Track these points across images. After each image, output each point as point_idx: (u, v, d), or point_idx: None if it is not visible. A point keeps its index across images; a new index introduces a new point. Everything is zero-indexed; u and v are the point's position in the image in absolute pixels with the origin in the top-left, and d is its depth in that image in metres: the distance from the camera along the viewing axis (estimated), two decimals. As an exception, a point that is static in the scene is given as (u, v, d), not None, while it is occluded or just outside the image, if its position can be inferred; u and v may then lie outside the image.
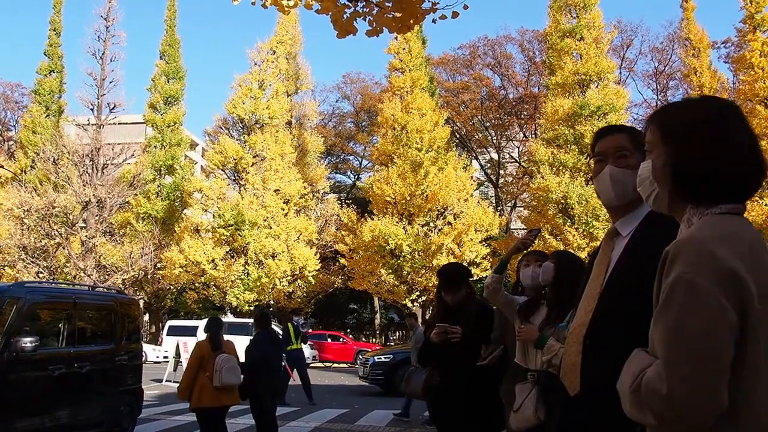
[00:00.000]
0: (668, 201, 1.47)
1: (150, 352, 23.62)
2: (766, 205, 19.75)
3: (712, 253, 1.25)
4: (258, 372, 7.01)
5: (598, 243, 2.16)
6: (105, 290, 10.20)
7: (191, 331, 20.87)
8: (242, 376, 6.56)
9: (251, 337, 7.95)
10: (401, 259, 25.79)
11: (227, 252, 27.73)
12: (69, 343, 6.91)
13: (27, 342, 5.93)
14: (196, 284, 27.92)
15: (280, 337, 11.18)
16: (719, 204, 1.38)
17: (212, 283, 27.38)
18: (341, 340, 28.63)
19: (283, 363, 10.09)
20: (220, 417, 6.46)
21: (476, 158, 41.62)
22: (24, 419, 6.07)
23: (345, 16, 4.89)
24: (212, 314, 30.76)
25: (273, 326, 8.27)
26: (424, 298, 26.37)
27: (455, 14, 5.13)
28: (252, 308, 27.67)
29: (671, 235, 1.89)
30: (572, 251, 14.12)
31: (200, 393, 6.28)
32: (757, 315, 1.23)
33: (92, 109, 29.25)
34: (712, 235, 1.30)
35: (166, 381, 16.04)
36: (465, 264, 14.72)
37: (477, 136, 42.25)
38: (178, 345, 16.44)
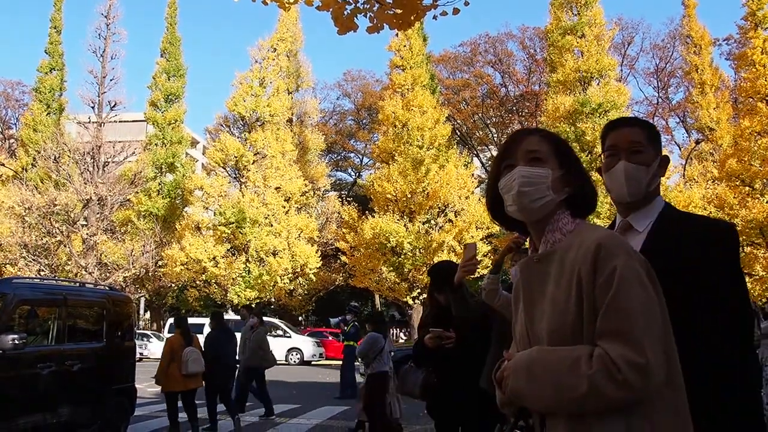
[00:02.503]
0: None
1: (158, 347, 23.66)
2: (767, 202, 19.72)
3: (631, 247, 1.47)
4: (215, 362, 8.45)
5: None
6: (95, 287, 10.02)
7: (193, 329, 20.88)
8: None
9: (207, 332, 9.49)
10: (402, 256, 25.79)
11: (228, 250, 27.75)
12: (59, 340, 6.70)
13: (12, 339, 5.75)
14: (198, 282, 27.95)
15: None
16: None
17: (213, 281, 27.40)
18: (341, 337, 28.64)
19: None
20: (190, 398, 8.20)
21: (477, 156, 41.61)
22: (12, 418, 5.89)
23: (346, 12, 4.89)
24: (213, 311, 30.93)
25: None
26: (425, 295, 26.35)
27: (456, 11, 5.12)
28: (253, 306, 27.72)
29: (689, 230, 1.89)
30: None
31: (171, 380, 8.01)
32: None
33: (93, 107, 29.25)
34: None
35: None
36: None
37: (478, 134, 42.23)
38: None
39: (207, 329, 10.67)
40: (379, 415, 7.69)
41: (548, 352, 1.42)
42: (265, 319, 25.45)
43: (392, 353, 8.23)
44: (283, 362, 23.45)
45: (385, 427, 7.60)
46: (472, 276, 3.74)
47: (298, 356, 23.73)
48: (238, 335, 9.83)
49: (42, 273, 24.97)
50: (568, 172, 1.57)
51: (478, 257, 3.71)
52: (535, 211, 1.55)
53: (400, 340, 34.36)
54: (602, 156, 2.10)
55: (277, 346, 23.73)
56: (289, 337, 24.08)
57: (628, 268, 1.38)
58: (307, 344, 24.40)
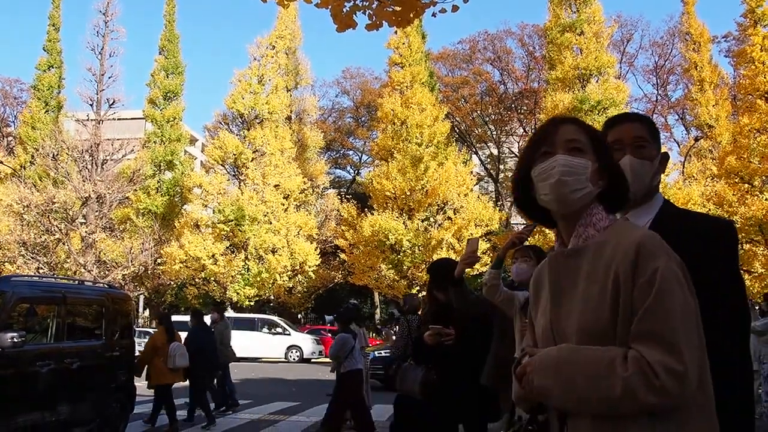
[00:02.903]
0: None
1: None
2: (766, 199, 19.73)
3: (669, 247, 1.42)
4: (197, 357, 8.85)
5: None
6: (94, 285, 10.04)
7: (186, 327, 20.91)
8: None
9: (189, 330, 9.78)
10: (401, 254, 25.80)
11: (227, 247, 27.75)
12: (58, 338, 6.68)
13: (11, 337, 5.73)
14: (197, 279, 27.95)
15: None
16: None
17: (212, 279, 27.41)
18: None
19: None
20: (170, 391, 8.64)
21: (476, 153, 41.61)
22: (11, 416, 5.87)
23: (344, 9, 4.88)
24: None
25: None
26: (424, 293, 26.36)
27: (455, 8, 5.11)
28: (252, 303, 27.75)
29: (688, 227, 1.90)
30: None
31: (159, 374, 8.46)
32: None
33: (91, 105, 29.18)
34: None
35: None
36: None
37: (477, 131, 42.21)
38: None
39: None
40: (361, 412, 7.99)
41: (578, 351, 1.38)
42: (264, 316, 25.62)
43: (365, 349, 8.37)
44: (283, 360, 23.47)
45: (369, 423, 7.88)
46: (471, 269, 3.76)
47: (298, 354, 23.74)
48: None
49: (41, 271, 24.95)
50: (604, 165, 1.53)
51: (478, 254, 3.71)
52: (573, 203, 1.50)
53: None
54: None
55: (277, 344, 23.77)
56: (289, 334, 24.09)
57: (669, 270, 1.36)
58: (306, 342, 24.41)
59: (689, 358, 1.29)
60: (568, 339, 1.43)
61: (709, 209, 20.02)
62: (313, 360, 24.11)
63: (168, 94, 32.94)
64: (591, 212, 1.51)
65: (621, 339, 1.35)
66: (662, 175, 2.19)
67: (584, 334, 1.40)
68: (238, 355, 23.34)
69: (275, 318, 25.90)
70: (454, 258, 13.39)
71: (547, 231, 22.86)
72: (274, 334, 24.16)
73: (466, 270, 3.83)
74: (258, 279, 27.10)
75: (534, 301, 1.62)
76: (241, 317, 25.10)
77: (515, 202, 1.67)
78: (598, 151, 1.54)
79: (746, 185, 20.39)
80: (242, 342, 23.51)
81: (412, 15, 5.01)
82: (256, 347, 23.63)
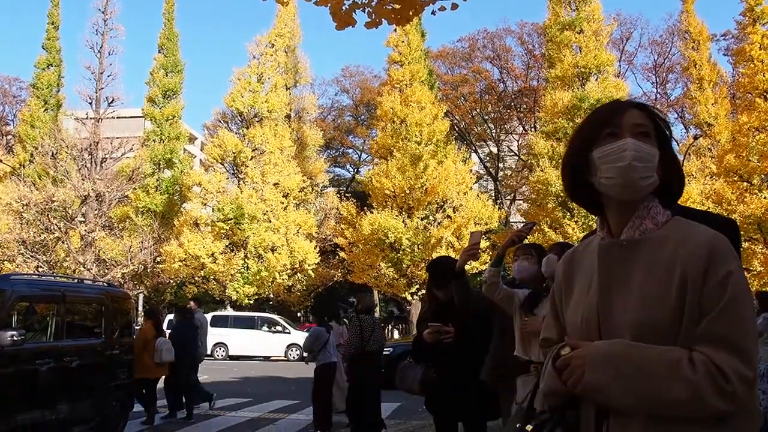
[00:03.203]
0: None
1: None
2: (765, 198, 19.75)
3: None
4: (180, 352, 9.04)
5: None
6: (93, 283, 10.05)
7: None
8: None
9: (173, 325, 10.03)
10: (401, 252, 25.81)
11: (227, 246, 27.75)
12: (57, 337, 6.67)
13: (10, 335, 5.72)
14: (196, 278, 27.95)
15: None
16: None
17: (212, 277, 27.41)
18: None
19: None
20: (154, 386, 8.93)
21: (475, 152, 41.59)
22: (10, 414, 5.86)
23: (344, 7, 4.88)
24: (212, 308, 30.95)
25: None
26: (423, 291, 26.39)
27: (454, 6, 5.11)
28: (252, 302, 27.75)
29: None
30: (573, 244, 14.12)
31: (146, 368, 8.63)
32: None
33: (90, 103, 29.15)
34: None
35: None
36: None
37: (476, 130, 42.19)
38: None
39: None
40: (324, 404, 8.11)
41: (636, 347, 1.32)
42: (264, 315, 25.62)
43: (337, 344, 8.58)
44: (283, 358, 23.49)
45: (327, 417, 8.08)
46: (470, 267, 3.75)
47: (298, 352, 23.74)
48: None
49: (40, 269, 24.95)
50: (665, 155, 1.45)
51: (479, 247, 3.71)
52: (640, 190, 1.42)
53: (395, 336, 34.33)
54: None
55: (277, 342, 23.79)
56: (289, 333, 24.10)
57: (741, 275, 1.33)
58: None
59: (756, 364, 1.30)
60: (620, 333, 1.37)
61: (708, 207, 20.03)
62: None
63: (167, 93, 32.90)
64: (649, 204, 1.45)
65: (683, 339, 1.32)
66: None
67: (641, 330, 1.34)
68: (238, 353, 23.45)
69: (275, 316, 25.90)
70: (453, 257, 13.37)
71: (546, 229, 22.89)
72: (274, 332, 24.18)
73: (466, 268, 3.84)
74: (257, 277, 27.11)
75: (566, 290, 1.56)
76: (240, 315, 25.11)
77: (566, 184, 1.58)
78: (661, 140, 1.47)
79: (745, 183, 20.41)
80: (242, 340, 23.59)
81: (411, 13, 5.01)
82: (256, 346, 23.66)
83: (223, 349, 23.63)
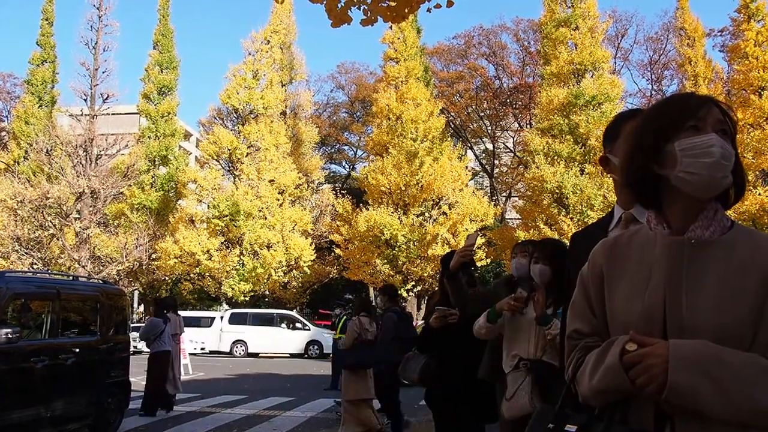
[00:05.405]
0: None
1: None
2: (759, 195, 19.83)
3: None
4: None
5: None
6: (88, 280, 10.03)
7: (188, 322, 20.89)
8: None
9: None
10: (396, 249, 25.82)
11: (222, 242, 27.71)
12: (52, 334, 6.67)
13: (5, 333, 5.73)
14: (191, 275, 27.91)
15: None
16: None
17: (207, 274, 27.37)
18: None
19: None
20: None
21: (471, 148, 41.62)
22: (5, 412, 5.85)
23: (339, 5, 4.87)
24: (208, 305, 30.92)
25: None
26: (419, 287, 26.44)
27: (450, 3, 5.11)
28: (247, 299, 27.73)
29: None
30: (564, 240, 14.11)
31: None
32: None
33: (85, 100, 29.03)
34: None
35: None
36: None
37: (472, 126, 42.21)
38: None
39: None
40: (155, 388, 9.18)
41: (723, 351, 1.25)
42: (283, 312, 25.60)
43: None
44: (304, 355, 23.51)
45: (157, 400, 9.18)
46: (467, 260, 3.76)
47: (318, 349, 23.70)
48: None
49: (35, 266, 24.90)
50: (735, 159, 1.39)
51: (474, 248, 3.73)
52: (719, 189, 1.36)
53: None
54: (603, 150, 2.10)
55: (296, 339, 23.84)
56: (308, 329, 24.14)
57: None
58: (327, 338, 24.44)
59: None
60: (698, 334, 1.29)
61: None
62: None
63: (162, 89, 32.80)
64: (716, 206, 1.39)
65: (758, 345, 1.28)
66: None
67: (720, 333, 1.28)
68: (257, 350, 23.53)
69: (294, 313, 25.98)
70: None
71: (541, 225, 22.90)
72: (294, 329, 24.20)
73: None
74: (253, 274, 27.08)
75: (608, 282, 1.46)
76: (259, 312, 25.13)
77: (626, 176, 1.48)
78: (733, 142, 1.40)
79: (740, 180, 20.46)
80: (261, 337, 23.63)
81: (407, 10, 5.00)
82: (276, 343, 23.68)
83: (242, 346, 23.65)
